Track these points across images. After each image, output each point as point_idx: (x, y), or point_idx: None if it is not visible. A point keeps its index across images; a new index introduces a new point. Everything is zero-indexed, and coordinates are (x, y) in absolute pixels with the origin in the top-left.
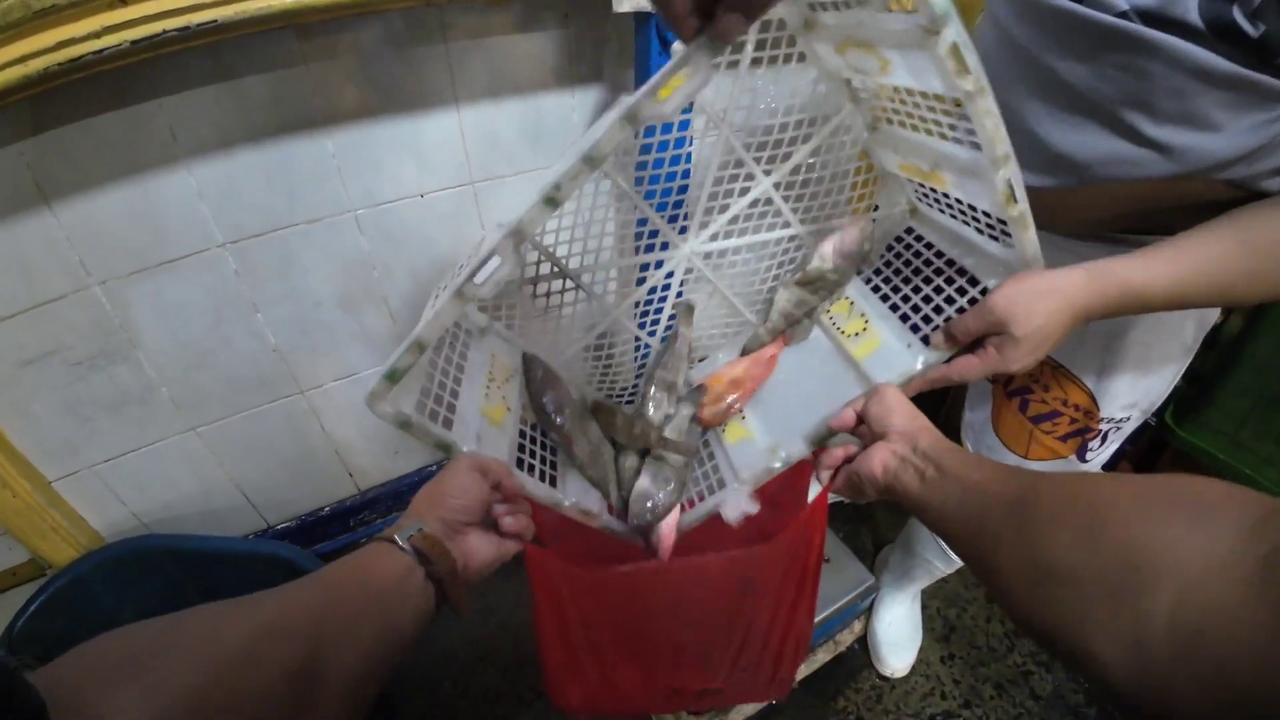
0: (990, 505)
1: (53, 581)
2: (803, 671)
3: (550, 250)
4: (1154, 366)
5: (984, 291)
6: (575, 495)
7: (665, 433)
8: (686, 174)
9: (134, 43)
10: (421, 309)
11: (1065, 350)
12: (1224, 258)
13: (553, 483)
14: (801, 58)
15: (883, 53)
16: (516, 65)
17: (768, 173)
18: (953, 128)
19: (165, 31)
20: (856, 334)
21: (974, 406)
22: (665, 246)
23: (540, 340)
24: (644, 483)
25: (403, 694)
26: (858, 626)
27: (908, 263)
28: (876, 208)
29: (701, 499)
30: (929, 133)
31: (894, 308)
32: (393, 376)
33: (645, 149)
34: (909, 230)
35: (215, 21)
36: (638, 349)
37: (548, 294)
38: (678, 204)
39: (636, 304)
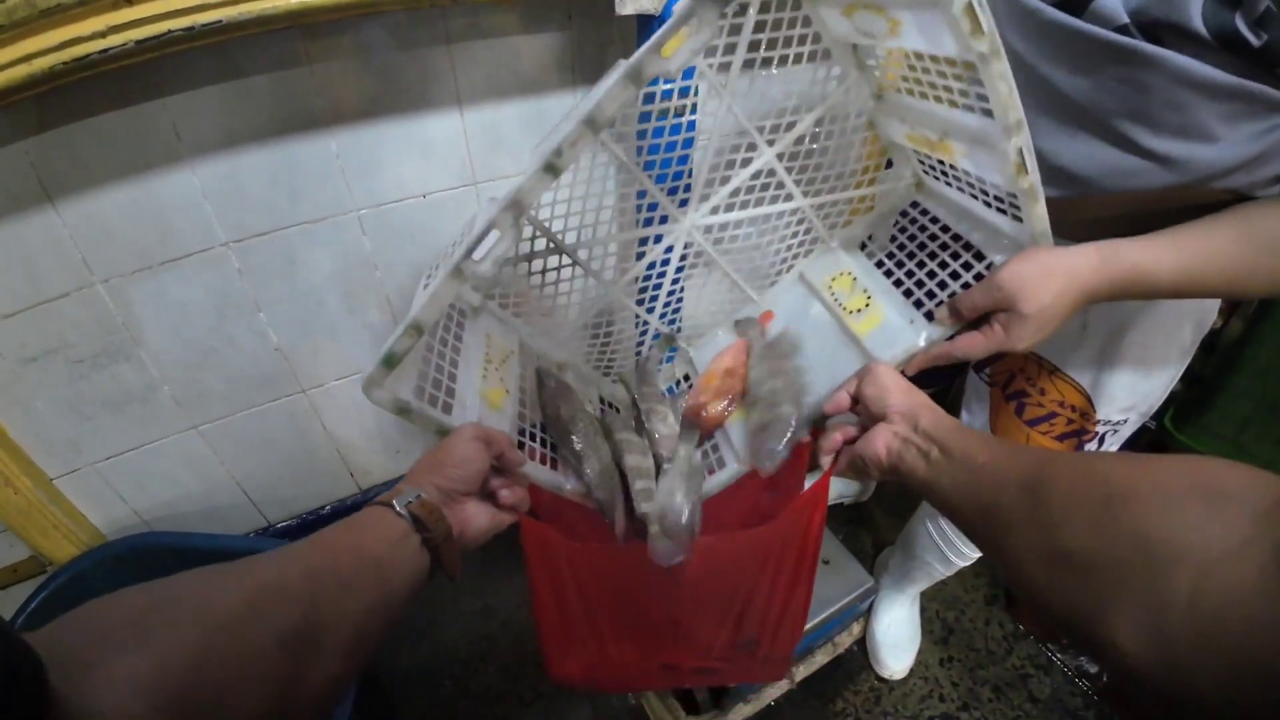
0: (1001, 487)
1: (53, 579)
2: (801, 672)
3: (545, 225)
4: (1151, 369)
5: (990, 267)
6: (576, 479)
7: (668, 466)
8: (688, 144)
9: (139, 42)
10: None
11: (1062, 352)
12: (1229, 248)
13: (553, 465)
14: (807, 22)
15: (892, 13)
16: (519, 66)
17: (771, 143)
18: (964, 94)
19: (170, 31)
20: (858, 310)
21: (971, 409)
22: (665, 220)
23: (536, 319)
24: (678, 502)
25: (403, 693)
26: (856, 628)
27: (912, 237)
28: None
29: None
30: (938, 100)
31: (897, 283)
32: (390, 361)
33: (644, 117)
34: (914, 204)
35: (220, 21)
36: (639, 328)
37: (543, 271)
38: (678, 176)
39: (635, 280)
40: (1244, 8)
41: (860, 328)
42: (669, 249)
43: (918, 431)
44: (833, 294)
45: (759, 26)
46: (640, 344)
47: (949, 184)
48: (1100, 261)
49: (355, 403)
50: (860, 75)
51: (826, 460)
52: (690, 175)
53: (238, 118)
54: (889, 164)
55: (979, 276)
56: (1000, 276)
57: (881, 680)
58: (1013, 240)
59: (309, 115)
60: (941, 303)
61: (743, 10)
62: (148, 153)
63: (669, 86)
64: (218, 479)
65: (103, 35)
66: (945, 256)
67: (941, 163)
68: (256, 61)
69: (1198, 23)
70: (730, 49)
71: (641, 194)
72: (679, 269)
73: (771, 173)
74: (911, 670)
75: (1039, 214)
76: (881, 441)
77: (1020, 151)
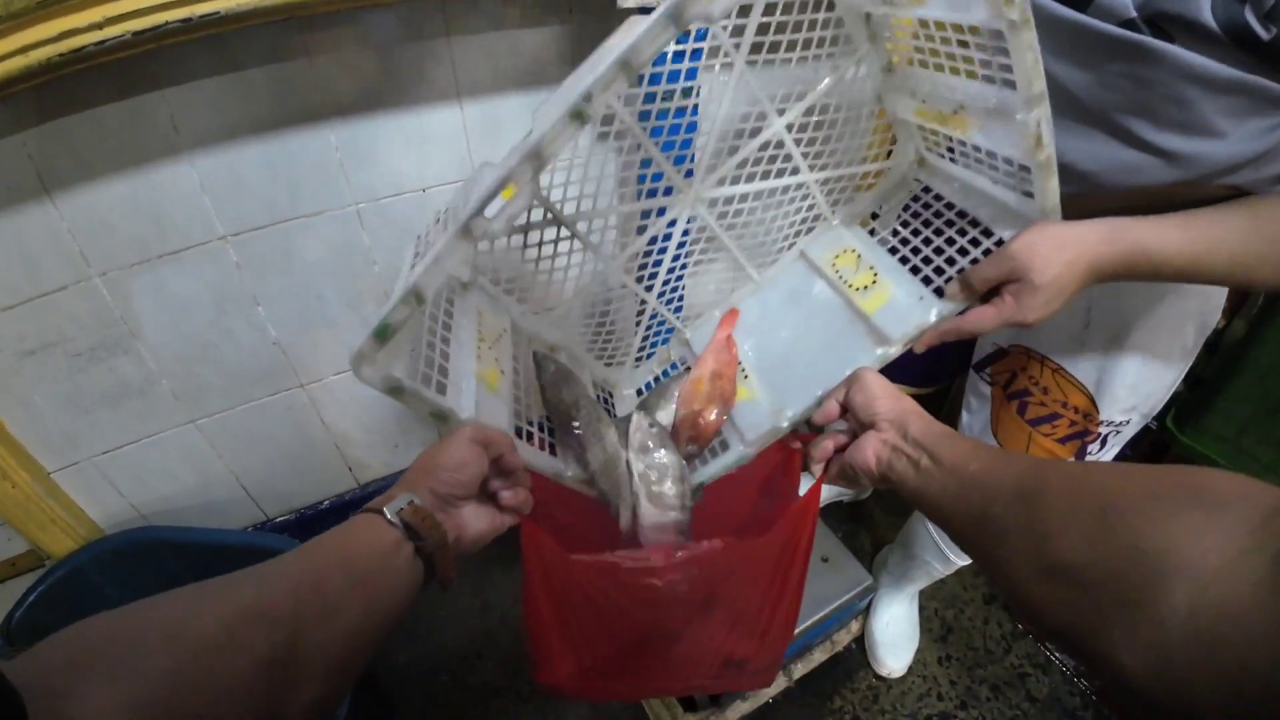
0: (992, 497)
1: (51, 572)
2: (800, 670)
3: (544, 194)
4: (1154, 369)
5: (998, 244)
6: (575, 465)
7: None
8: (694, 110)
9: (136, 34)
10: None
11: (1065, 352)
12: (1238, 235)
13: (552, 451)
14: None
15: None
16: (520, 60)
17: (780, 112)
18: (986, 64)
19: (168, 23)
20: (865, 287)
21: (971, 408)
22: (669, 192)
23: (529, 297)
24: (653, 517)
25: (400, 688)
26: (855, 626)
27: (916, 214)
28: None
29: (704, 462)
30: (955, 71)
31: (903, 260)
32: (383, 334)
33: (655, 79)
34: (915, 181)
35: (218, 13)
36: (638, 307)
37: (539, 244)
38: (685, 144)
39: (635, 256)
40: (1254, 1)
41: (868, 305)
42: (671, 223)
43: (907, 439)
44: (837, 271)
45: None
46: (638, 325)
47: (954, 161)
48: (1109, 235)
49: (354, 397)
50: (872, 47)
51: (817, 468)
52: (696, 148)
53: (236, 110)
54: (894, 141)
55: (987, 253)
56: (1012, 247)
57: (880, 678)
58: (1022, 216)
59: (308, 108)
60: (950, 279)
61: None
62: (146, 145)
63: (680, 48)
64: (216, 473)
65: (99, 27)
66: (952, 233)
67: (948, 139)
68: (255, 54)
69: (1207, 15)
70: (745, 11)
71: (646, 163)
72: (680, 244)
73: (780, 144)
74: (910, 668)
75: (1051, 188)
76: (871, 450)
77: (1039, 124)
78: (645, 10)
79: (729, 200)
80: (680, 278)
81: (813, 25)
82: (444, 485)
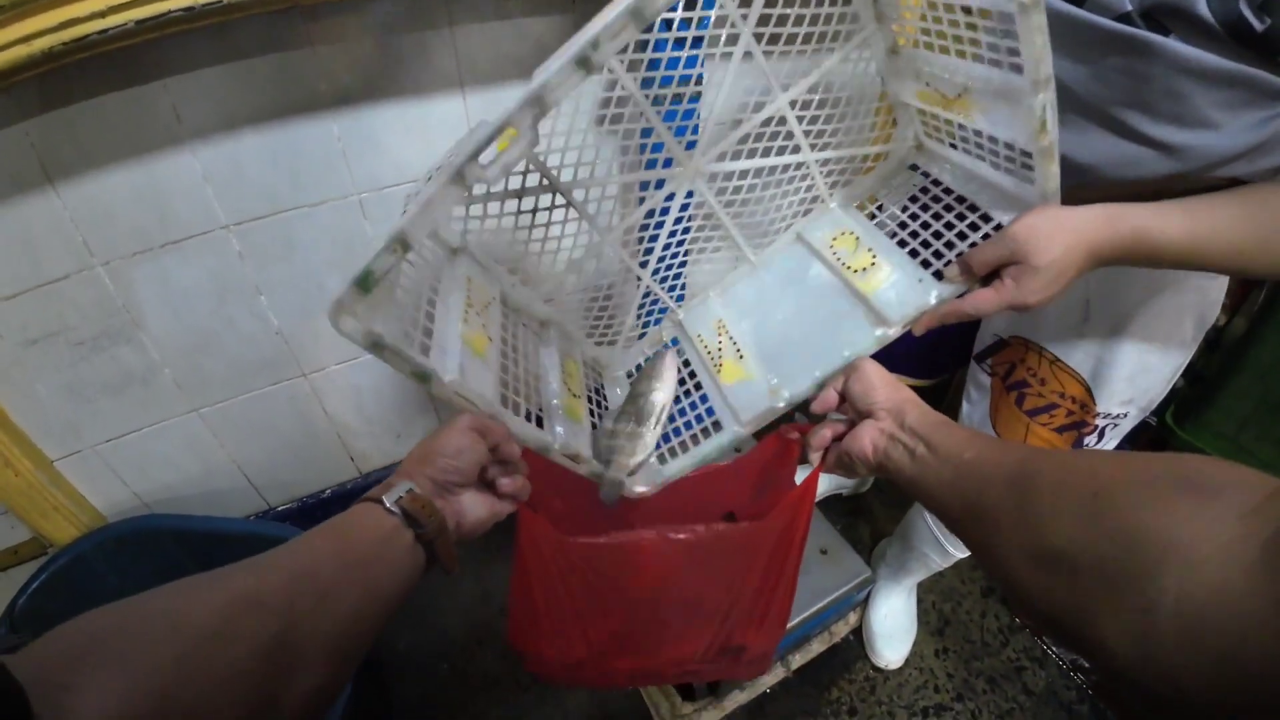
0: (986, 484)
1: (54, 560)
2: (798, 660)
3: (541, 159)
4: (1152, 362)
5: (998, 229)
6: (564, 438)
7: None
8: (700, 78)
9: (139, 22)
10: None
11: (1063, 343)
12: (1238, 223)
13: (539, 424)
14: None
15: None
16: (523, 49)
17: (785, 88)
18: (993, 47)
19: (170, 11)
20: (864, 269)
21: (971, 400)
22: (669, 164)
23: (521, 268)
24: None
25: (400, 678)
26: (853, 618)
27: (915, 199)
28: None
29: (696, 442)
30: (962, 55)
31: (901, 244)
32: (365, 283)
33: (659, 45)
34: (912, 167)
35: (221, 2)
36: (636, 285)
37: (534, 211)
38: (687, 115)
39: (631, 230)
40: None
41: (867, 286)
42: (669, 197)
43: (904, 428)
44: (835, 254)
45: None
46: (634, 303)
47: (953, 146)
48: (1109, 219)
49: (356, 387)
50: (878, 28)
51: (815, 457)
52: (699, 119)
53: (238, 99)
54: (893, 126)
55: (986, 238)
56: (1013, 230)
57: (877, 670)
58: (1022, 201)
59: (310, 97)
60: (950, 262)
61: None
62: (148, 134)
63: (685, 15)
64: (218, 462)
65: (102, 15)
66: (951, 218)
67: (949, 124)
68: (257, 42)
69: (1202, 8)
70: None
71: (647, 133)
72: (678, 221)
73: (782, 120)
74: (907, 660)
75: (1052, 173)
76: (868, 438)
77: (1045, 108)
78: None
79: (728, 176)
80: (676, 256)
81: (820, 2)
82: (442, 473)
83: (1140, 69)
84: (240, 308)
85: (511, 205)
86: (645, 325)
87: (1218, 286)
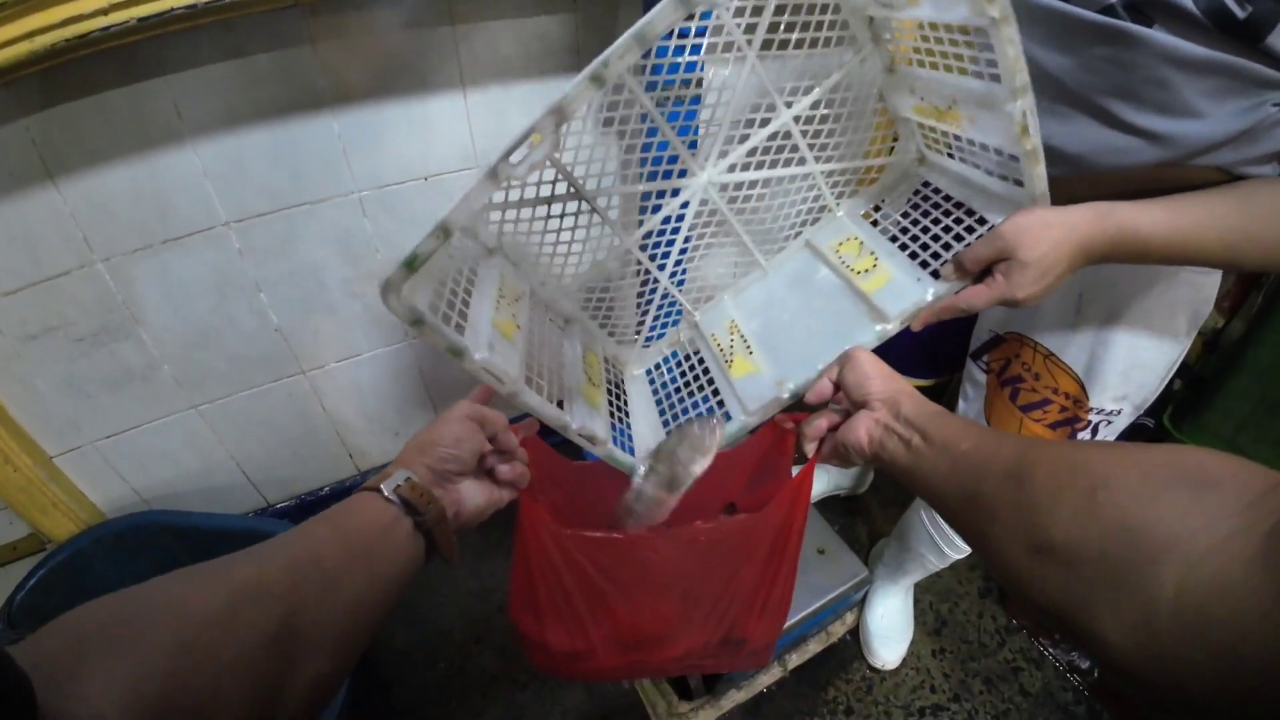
0: (984, 475)
1: (53, 556)
2: (794, 660)
3: (568, 169)
4: (1145, 357)
5: (992, 229)
6: (581, 419)
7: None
8: (694, 104)
9: (141, 20)
10: None
11: (1057, 338)
12: (1227, 216)
13: (559, 405)
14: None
15: None
16: (524, 48)
17: (789, 104)
18: (974, 60)
19: (173, 9)
20: (866, 270)
21: (967, 396)
22: (683, 174)
23: (542, 266)
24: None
25: (399, 674)
26: (850, 618)
27: (916, 206)
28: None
29: None
30: (948, 69)
31: (903, 247)
32: (412, 264)
33: (663, 53)
34: (916, 177)
35: None
36: (649, 286)
37: (561, 216)
38: (694, 130)
39: (649, 235)
40: None
41: (868, 286)
42: (685, 204)
43: (899, 419)
44: (840, 257)
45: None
46: (640, 303)
47: (951, 156)
48: (1097, 216)
49: (355, 384)
50: (874, 48)
51: (810, 447)
52: (704, 134)
53: (240, 97)
54: (895, 139)
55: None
56: (1002, 228)
57: (874, 670)
58: (1013, 203)
59: (311, 95)
60: (946, 262)
61: None
62: (149, 131)
63: (697, 41)
64: (217, 459)
65: (104, 12)
66: (949, 222)
67: (946, 135)
68: (259, 40)
69: None
70: (757, 10)
71: (659, 144)
72: (692, 227)
73: (787, 135)
74: (904, 661)
75: (1039, 175)
76: (863, 429)
77: (1025, 114)
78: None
79: (739, 186)
80: (689, 256)
81: (819, 26)
82: (440, 461)
83: (1125, 59)
84: (240, 305)
85: (541, 211)
86: (663, 326)
87: (1211, 282)
